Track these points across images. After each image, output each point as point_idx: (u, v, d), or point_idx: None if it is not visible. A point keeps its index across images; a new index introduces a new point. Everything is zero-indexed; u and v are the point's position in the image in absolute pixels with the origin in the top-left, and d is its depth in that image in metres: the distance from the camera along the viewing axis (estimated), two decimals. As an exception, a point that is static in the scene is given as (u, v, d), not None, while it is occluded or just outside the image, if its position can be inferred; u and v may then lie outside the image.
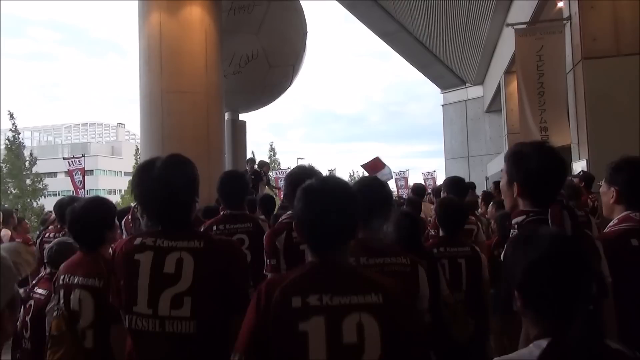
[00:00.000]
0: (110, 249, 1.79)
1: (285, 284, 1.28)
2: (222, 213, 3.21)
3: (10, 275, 0.97)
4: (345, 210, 1.35)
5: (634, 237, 1.75)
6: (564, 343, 1.01)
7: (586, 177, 5.65)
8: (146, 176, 1.69)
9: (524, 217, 1.68)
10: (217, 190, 3.27)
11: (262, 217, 4.83)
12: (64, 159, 13.65)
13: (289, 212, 2.64)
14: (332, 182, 1.42)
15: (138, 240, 1.65)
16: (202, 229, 3.04)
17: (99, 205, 2.40)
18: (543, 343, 1.04)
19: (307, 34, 11.86)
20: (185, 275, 1.58)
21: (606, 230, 1.93)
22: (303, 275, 1.32)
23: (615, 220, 1.87)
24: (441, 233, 3.11)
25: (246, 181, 3.52)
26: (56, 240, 2.87)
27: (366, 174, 16.17)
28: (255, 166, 11.37)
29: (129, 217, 4.63)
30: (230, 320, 1.58)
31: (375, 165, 13.67)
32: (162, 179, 1.65)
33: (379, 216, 1.93)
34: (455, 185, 4.03)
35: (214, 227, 3.04)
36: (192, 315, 1.57)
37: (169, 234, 1.65)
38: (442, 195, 4.07)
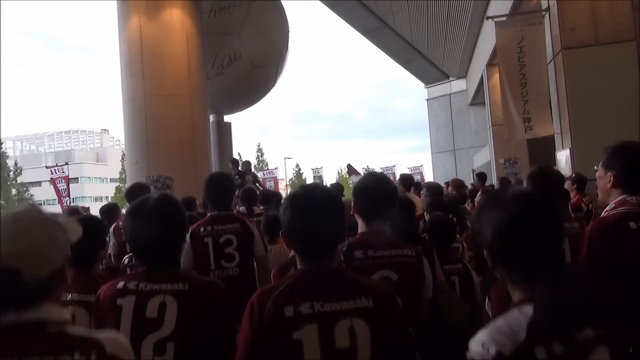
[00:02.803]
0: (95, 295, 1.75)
1: (277, 294, 1.29)
2: (209, 214, 3.19)
3: (67, 237, 1.18)
4: (332, 218, 1.37)
5: (632, 220, 1.76)
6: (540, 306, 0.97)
7: (579, 179, 5.25)
8: (136, 216, 1.71)
9: None
10: (204, 193, 3.25)
11: (243, 208, 4.90)
12: (46, 167, 13.41)
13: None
14: (318, 191, 1.45)
15: (121, 284, 1.62)
16: (189, 231, 3.01)
17: (91, 225, 2.36)
18: (528, 309, 1.00)
19: (290, 34, 11.85)
20: (168, 319, 1.55)
21: (603, 214, 1.93)
22: (293, 283, 1.33)
23: (612, 205, 1.87)
24: None
25: (232, 182, 3.53)
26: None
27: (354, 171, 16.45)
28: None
29: (119, 223, 4.58)
30: None
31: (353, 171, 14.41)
32: (151, 220, 1.65)
33: (384, 210, 1.94)
34: (437, 189, 4.46)
35: (202, 229, 3.03)
36: None
37: (153, 276, 1.63)
38: (423, 197, 4.29)
